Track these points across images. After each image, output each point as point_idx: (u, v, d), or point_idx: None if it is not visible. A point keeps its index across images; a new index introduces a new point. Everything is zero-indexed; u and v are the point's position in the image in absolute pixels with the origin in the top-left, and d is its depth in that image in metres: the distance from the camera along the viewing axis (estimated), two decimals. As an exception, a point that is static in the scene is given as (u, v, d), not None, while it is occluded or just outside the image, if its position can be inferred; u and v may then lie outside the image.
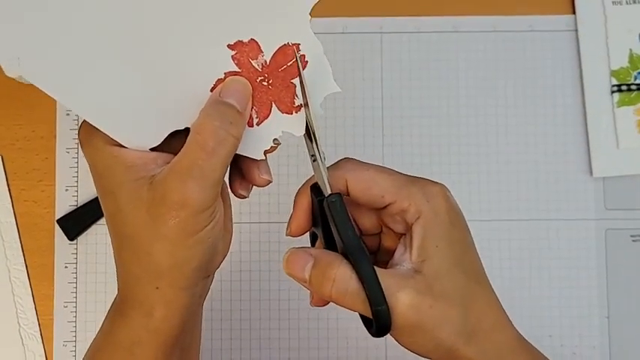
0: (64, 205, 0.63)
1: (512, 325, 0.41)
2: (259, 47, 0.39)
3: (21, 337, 0.62)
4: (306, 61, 0.40)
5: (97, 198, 0.58)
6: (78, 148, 0.63)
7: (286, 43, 0.39)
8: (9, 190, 0.63)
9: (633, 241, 0.63)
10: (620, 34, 0.65)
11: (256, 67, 0.39)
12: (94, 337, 0.42)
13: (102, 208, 0.39)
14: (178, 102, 0.39)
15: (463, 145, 0.65)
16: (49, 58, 0.37)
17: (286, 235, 0.42)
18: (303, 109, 0.40)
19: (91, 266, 0.63)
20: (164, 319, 0.39)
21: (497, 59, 0.66)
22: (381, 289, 0.37)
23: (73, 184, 0.63)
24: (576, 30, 0.65)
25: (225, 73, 0.39)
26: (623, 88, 0.64)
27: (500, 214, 0.64)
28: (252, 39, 0.39)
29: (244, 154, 0.40)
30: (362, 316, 0.40)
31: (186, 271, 0.38)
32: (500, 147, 0.65)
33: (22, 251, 0.62)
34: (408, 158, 0.65)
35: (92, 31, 0.37)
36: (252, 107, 0.40)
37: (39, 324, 0.62)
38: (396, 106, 0.65)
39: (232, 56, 0.39)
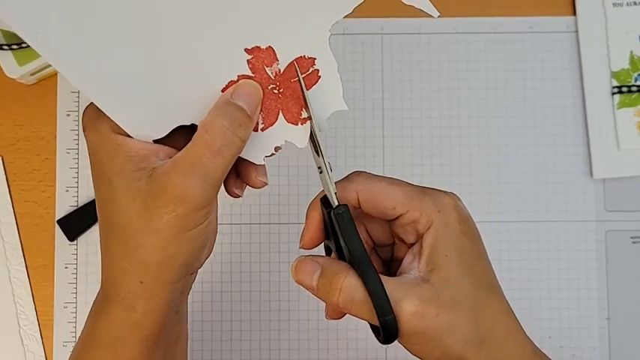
0: (64, 206, 0.63)
1: (526, 334, 0.41)
2: (275, 55, 0.39)
3: (21, 338, 0.61)
4: (319, 76, 0.40)
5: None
6: (79, 149, 0.63)
7: (303, 55, 0.40)
8: (9, 190, 0.63)
9: (633, 242, 0.63)
10: (621, 35, 0.65)
11: (269, 74, 0.40)
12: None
13: (95, 193, 0.39)
14: (188, 97, 0.39)
15: (463, 146, 0.65)
16: (67, 38, 0.37)
17: (299, 247, 0.42)
18: (308, 121, 0.40)
19: (91, 267, 0.62)
20: (146, 313, 0.38)
21: (497, 60, 0.66)
22: (388, 299, 0.37)
23: (73, 185, 0.63)
24: (577, 31, 0.65)
25: (238, 76, 0.39)
26: (624, 89, 0.64)
27: (500, 216, 0.64)
28: (269, 46, 0.39)
29: (244, 157, 0.40)
30: (370, 324, 0.40)
31: (173, 266, 0.38)
32: (500, 148, 0.65)
33: (23, 252, 0.62)
34: (408, 159, 0.65)
35: (113, 15, 0.37)
36: (260, 113, 0.40)
37: (39, 324, 0.62)
38: (396, 108, 0.65)
39: (248, 60, 0.39)
